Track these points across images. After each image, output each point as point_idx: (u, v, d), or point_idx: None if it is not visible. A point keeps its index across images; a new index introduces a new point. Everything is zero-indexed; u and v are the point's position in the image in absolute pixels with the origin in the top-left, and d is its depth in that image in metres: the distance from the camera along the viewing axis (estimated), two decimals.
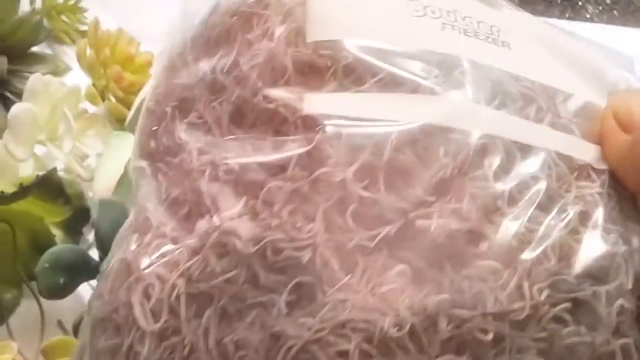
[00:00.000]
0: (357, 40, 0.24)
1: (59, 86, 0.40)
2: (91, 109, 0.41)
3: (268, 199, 0.22)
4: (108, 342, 0.21)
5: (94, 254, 0.33)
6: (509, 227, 0.22)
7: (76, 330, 0.32)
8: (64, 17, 0.48)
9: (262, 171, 0.23)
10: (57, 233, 0.34)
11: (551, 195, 0.23)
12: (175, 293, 0.21)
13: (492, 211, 0.22)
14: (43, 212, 0.34)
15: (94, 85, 0.42)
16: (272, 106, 0.23)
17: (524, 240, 0.22)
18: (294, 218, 0.21)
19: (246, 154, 0.23)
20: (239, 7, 0.26)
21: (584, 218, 0.23)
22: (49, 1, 0.47)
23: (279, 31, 0.24)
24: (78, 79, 0.41)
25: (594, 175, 0.24)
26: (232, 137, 0.24)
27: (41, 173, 0.34)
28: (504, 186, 0.23)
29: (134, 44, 0.43)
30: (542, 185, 0.23)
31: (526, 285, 0.21)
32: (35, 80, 0.39)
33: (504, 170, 0.23)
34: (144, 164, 0.25)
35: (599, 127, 0.26)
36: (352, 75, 0.24)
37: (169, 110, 0.25)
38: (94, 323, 0.22)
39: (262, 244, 0.21)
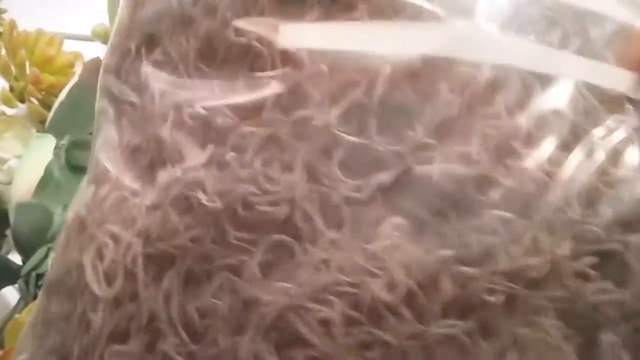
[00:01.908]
0: None
1: None
2: (10, 111, 0.43)
3: (238, 146, 0.20)
4: (60, 307, 0.20)
5: (17, 257, 0.34)
6: (525, 171, 0.20)
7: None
8: None
9: (232, 115, 0.21)
10: None
11: (576, 131, 0.21)
12: (131, 253, 0.19)
13: (506, 153, 0.21)
14: None
15: (10, 87, 0.43)
16: (243, 40, 0.22)
17: (542, 184, 0.20)
18: (269, 168, 0.19)
19: (214, 95, 0.21)
20: None
21: (615, 156, 0.21)
22: None
23: None
24: None
25: (629, 107, 0.22)
26: (200, 76, 0.22)
27: None
28: (520, 124, 0.21)
29: (55, 43, 0.43)
30: (565, 121, 0.21)
31: (544, 237, 0.19)
32: None
33: (520, 105, 0.21)
34: (106, 104, 0.23)
35: (636, 49, 0.23)
36: (341, 1, 0.22)
37: (132, 46, 0.24)
38: (46, 285, 0.20)
39: (230, 197, 0.19)
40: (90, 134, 0.37)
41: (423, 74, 0.21)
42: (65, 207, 0.34)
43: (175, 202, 0.20)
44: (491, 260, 0.19)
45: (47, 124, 0.41)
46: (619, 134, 0.22)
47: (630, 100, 0.22)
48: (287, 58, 0.21)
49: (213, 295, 0.19)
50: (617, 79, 0.23)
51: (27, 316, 0.29)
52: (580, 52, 0.23)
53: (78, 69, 0.42)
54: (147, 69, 0.23)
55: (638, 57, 0.23)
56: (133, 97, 0.23)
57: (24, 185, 0.37)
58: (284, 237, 0.19)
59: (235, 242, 0.19)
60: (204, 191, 0.20)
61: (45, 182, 0.36)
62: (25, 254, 0.33)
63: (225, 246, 0.19)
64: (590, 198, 0.20)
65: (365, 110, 0.20)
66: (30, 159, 0.38)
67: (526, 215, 0.20)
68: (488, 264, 0.19)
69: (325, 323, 0.18)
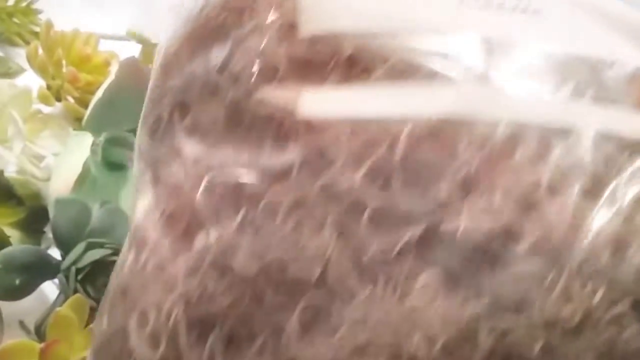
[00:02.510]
0: (358, 28, 0.23)
1: (7, 88, 0.41)
2: (47, 109, 0.44)
3: (269, 210, 0.21)
4: None
5: (56, 252, 0.35)
6: (550, 222, 0.21)
7: (38, 331, 0.33)
8: (15, 19, 0.50)
9: (262, 180, 0.22)
10: (13, 233, 0.36)
11: (598, 181, 0.22)
12: (173, 318, 0.20)
13: (530, 205, 0.21)
14: None
15: (47, 86, 0.44)
16: (266, 109, 0.22)
17: (568, 236, 0.20)
18: (299, 230, 0.20)
19: (243, 161, 0.22)
20: (228, 1, 0.25)
21: None
22: None
23: (269, 26, 0.24)
24: (33, 80, 0.44)
25: None
26: (229, 142, 0.23)
27: None
28: (541, 176, 0.21)
29: (91, 43, 0.45)
30: (587, 171, 0.22)
31: (576, 286, 0.20)
32: None
33: (540, 158, 0.22)
34: (143, 168, 0.24)
35: None
36: (358, 65, 0.23)
37: (165, 113, 0.25)
38: (93, 353, 0.21)
39: (264, 262, 0.20)
40: (127, 131, 0.39)
41: (442, 133, 0.22)
42: (102, 203, 0.36)
43: (211, 268, 0.21)
44: (526, 310, 0.20)
45: (84, 121, 0.42)
46: None
47: None
48: (309, 125, 0.22)
49: (255, 357, 0.19)
50: (636, 124, 0.23)
51: (68, 309, 0.30)
52: (596, 101, 0.24)
53: (114, 68, 0.43)
54: (179, 136, 0.24)
55: None
56: (167, 164, 0.24)
57: (62, 182, 0.38)
58: (318, 297, 0.20)
59: (271, 305, 0.20)
60: (238, 257, 0.20)
61: (83, 179, 0.37)
62: (65, 249, 0.34)
63: (263, 309, 0.20)
64: (618, 247, 0.21)
65: (388, 170, 0.21)
66: (68, 156, 0.39)
67: (556, 266, 0.20)
68: (523, 315, 0.20)
69: None
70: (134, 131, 0.38)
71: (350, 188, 0.21)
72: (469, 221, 0.21)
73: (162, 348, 0.20)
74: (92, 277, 0.32)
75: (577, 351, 0.20)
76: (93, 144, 0.39)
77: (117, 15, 0.48)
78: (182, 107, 0.25)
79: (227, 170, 0.22)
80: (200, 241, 0.21)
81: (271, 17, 0.24)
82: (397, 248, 0.21)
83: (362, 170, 0.21)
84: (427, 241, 0.21)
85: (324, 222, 0.21)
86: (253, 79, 0.24)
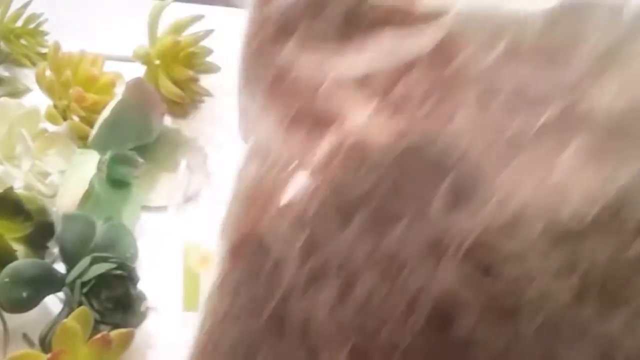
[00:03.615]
0: None
1: (16, 107, 0.44)
2: (52, 128, 0.45)
3: (404, 95, 0.20)
4: (248, 266, 0.20)
5: (60, 267, 0.36)
6: None
7: (42, 343, 0.34)
8: (22, 41, 0.52)
9: (391, 71, 0.21)
10: (19, 248, 0.37)
11: None
12: (313, 206, 0.20)
13: None
14: (2, 228, 0.36)
15: (54, 105, 0.46)
16: (384, 8, 0.22)
17: None
18: (438, 110, 0.20)
19: (365, 59, 0.22)
20: None
21: None
22: (6, 25, 0.51)
23: None
24: (38, 99, 0.46)
25: None
26: (347, 46, 0.23)
27: None
28: None
29: (97, 64, 0.46)
30: None
31: None
32: None
33: None
34: (251, 93, 0.24)
35: None
36: None
37: (269, 35, 0.25)
38: (229, 251, 0.21)
39: (407, 138, 0.19)
40: (131, 149, 0.42)
41: (569, 17, 0.21)
42: (106, 219, 0.37)
43: (346, 159, 0.20)
44: None
45: (90, 140, 0.43)
46: None
47: None
48: (434, 13, 0.22)
49: (401, 238, 0.19)
50: None
51: (74, 321, 0.32)
52: None
53: (119, 88, 0.45)
54: (289, 52, 0.24)
55: None
56: (280, 79, 0.24)
57: (68, 198, 0.39)
58: (461, 176, 0.19)
59: (413, 187, 0.20)
60: (378, 136, 0.20)
61: (88, 195, 0.39)
62: (70, 263, 0.35)
63: (404, 192, 0.20)
64: None
65: (522, 53, 0.21)
66: (74, 173, 0.41)
67: None
68: None
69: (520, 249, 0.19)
70: (137, 149, 0.43)
71: (486, 70, 0.21)
72: (607, 97, 0.20)
73: (303, 238, 0.20)
74: (97, 290, 0.34)
75: None
76: (99, 162, 0.41)
77: (123, 37, 0.49)
78: (286, 27, 0.25)
79: (351, 66, 0.22)
80: (331, 135, 0.21)
81: None
82: (537, 127, 0.20)
83: (495, 54, 0.21)
84: (566, 120, 0.21)
85: (462, 103, 0.20)
86: None
